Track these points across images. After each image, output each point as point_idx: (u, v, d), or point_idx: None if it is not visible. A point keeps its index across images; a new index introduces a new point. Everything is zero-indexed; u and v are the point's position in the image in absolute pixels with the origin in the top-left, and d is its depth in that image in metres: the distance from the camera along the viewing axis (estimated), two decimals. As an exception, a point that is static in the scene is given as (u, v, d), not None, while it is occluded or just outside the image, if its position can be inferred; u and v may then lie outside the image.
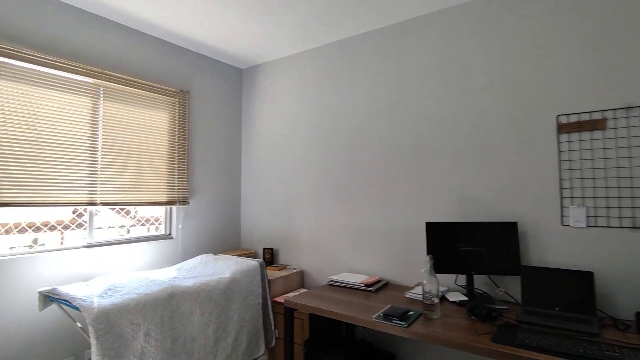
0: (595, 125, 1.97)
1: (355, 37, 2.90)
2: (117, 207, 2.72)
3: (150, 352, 1.85)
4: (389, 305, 2.05)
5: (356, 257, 2.80)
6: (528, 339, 1.54)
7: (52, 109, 2.30)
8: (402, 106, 2.64)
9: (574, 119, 2.03)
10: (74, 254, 2.38)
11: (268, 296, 2.61)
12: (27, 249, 2.28)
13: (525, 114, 2.18)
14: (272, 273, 2.93)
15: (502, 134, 2.24)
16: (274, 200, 3.33)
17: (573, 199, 2.02)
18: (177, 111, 3.03)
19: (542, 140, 2.12)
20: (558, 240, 2.05)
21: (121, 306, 1.79)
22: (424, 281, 1.89)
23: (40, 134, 2.24)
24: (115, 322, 1.74)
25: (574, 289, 1.87)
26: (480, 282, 2.29)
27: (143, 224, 2.94)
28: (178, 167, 3.01)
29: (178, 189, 3.00)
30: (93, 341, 1.65)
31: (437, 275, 2.35)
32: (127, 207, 2.79)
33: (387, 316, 1.86)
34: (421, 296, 2.16)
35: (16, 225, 2.26)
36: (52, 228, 2.40)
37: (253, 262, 2.61)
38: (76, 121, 2.41)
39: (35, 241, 2.36)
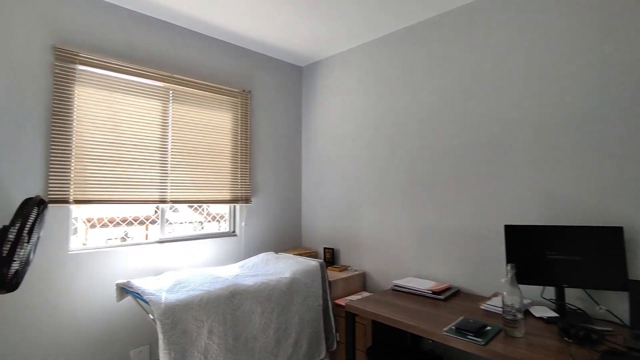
0: None
1: (420, 23, 2.69)
2: (186, 205, 2.84)
3: (213, 349, 1.87)
4: (461, 318, 1.84)
5: (422, 261, 2.60)
6: (645, 373, 1.25)
7: (130, 112, 2.46)
8: (475, 96, 2.37)
9: None
10: (149, 248, 2.52)
11: (329, 298, 2.53)
12: (119, 242, 2.53)
13: (635, 94, 1.81)
14: (333, 274, 2.85)
15: (603, 119, 1.89)
16: (335, 198, 3.24)
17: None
18: (239, 111, 3.09)
19: (658, 128, 1.74)
20: (681, 250, 1.67)
21: (186, 302, 1.83)
22: (504, 292, 1.66)
23: (121, 137, 2.41)
24: (180, 317, 1.78)
25: None
26: (573, 296, 1.96)
27: (217, 220, 3.07)
28: (241, 166, 3.06)
29: (241, 187, 3.06)
30: (160, 335, 1.70)
31: (519, 286, 2.07)
32: (197, 205, 2.91)
33: (460, 330, 1.67)
34: (500, 309, 1.91)
35: (111, 220, 2.55)
36: (141, 223, 2.65)
37: (313, 263, 2.55)
38: (149, 123, 2.56)
39: (126, 234, 2.62)
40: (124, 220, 2.60)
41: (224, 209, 3.12)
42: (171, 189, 2.64)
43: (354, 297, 2.65)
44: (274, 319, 2.18)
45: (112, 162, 2.38)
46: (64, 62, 2.20)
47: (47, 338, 2.10)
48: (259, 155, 3.23)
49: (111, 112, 2.39)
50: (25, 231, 1.73)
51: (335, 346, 2.51)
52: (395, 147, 2.80)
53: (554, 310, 1.89)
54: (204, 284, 2.06)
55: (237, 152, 3.05)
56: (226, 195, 2.96)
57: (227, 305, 1.98)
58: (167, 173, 2.62)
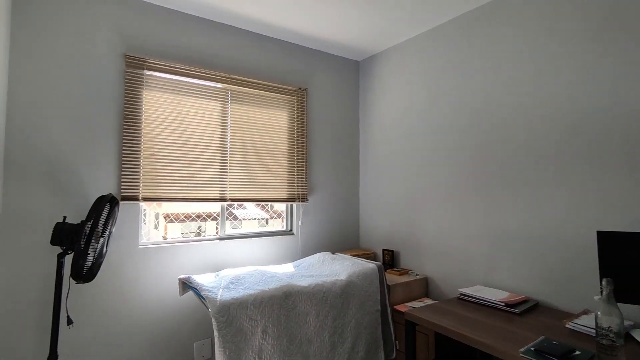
0: None
1: (490, 3, 2.41)
2: (249, 203, 2.89)
3: (267, 349, 1.85)
4: (542, 337, 1.59)
5: (493, 268, 2.33)
6: None
7: (192, 114, 2.56)
8: (562, 82, 2.06)
9: None
10: (210, 244, 2.61)
11: (387, 303, 2.39)
12: (193, 236, 2.70)
13: None
14: (392, 278, 2.69)
15: None
16: (395, 198, 3.07)
17: None
18: (295, 109, 3.07)
19: None
20: None
21: (241, 301, 1.83)
22: (599, 312, 1.39)
23: (184, 137, 2.52)
24: (235, 316, 1.78)
25: None
26: (693, 320, 1.59)
27: (282, 218, 3.10)
28: (297, 164, 3.04)
29: (297, 185, 3.03)
30: (216, 332, 1.72)
31: (618, 305, 1.74)
32: (261, 202, 2.95)
33: (541, 353, 1.43)
34: (592, 330, 1.62)
35: (187, 216, 2.74)
36: (214, 219, 2.78)
37: (371, 265, 2.43)
38: (210, 124, 2.64)
39: (199, 229, 2.76)
40: (198, 216, 2.78)
41: (282, 207, 3.13)
42: (230, 187, 2.70)
43: (415, 304, 2.48)
44: (329, 322, 2.10)
45: (177, 162, 2.49)
46: (133, 68, 2.35)
47: (119, 327, 2.26)
48: (315, 153, 3.19)
49: (175, 114, 2.50)
50: (99, 226, 1.86)
51: (394, 355, 2.36)
52: (463, 143, 2.56)
53: (666, 337, 1.55)
54: (259, 283, 2.06)
55: (293, 150, 3.04)
56: (283, 193, 2.96)
57: (281, 305, 1.95)
58: (226, 172, 2.69)
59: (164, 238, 2.59)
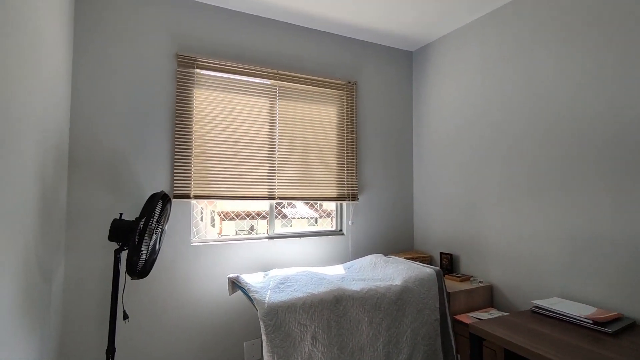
0: None
1: (571, -27, 2.09)
2: (298, 201, 2.82)
3: (317, 357, 1.74)
4: (648, 366, 1.31)
5: (574, 278, 2.02)
6: None
7: (240, 111, 2.54)
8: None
9: None
10: (259, 243, 2.57)
11: (447, 312, 2.18)
12: (246, 233, 2.74)
13: None
14: (452, 284, 2.46)
15: None
16: (453, 196, 2.83)
17: None
18: (345, 104, 2.94)
19: None
20: None
21: (289, 304, 1.74)
22: None
23: (233, 135, 2.50)
24: (283, 319, 1.70)
25: None
26: None
27: (331, 217, 3.01)
28: (347, 161, 2.91)
29: (347, 184, 2.90)
30: (264, 336, 1.64)
31: None
32: (310, 201, 2.87)
33: (650, 387, 1.17)
34: None
35: (237, 214, 2.76)
36: (263, 217, 2.77)
37: (428, 270, 2.23)
38: (258, 121, 2.60)
39: (251, 227, 2.79)
40: (248, 215, 2.79)
41: (331, 206, 3.02)
42: (279, 185, 2.64)
43: (480, 315, 2.23)
44: (383, 330, 1.95)
45: (226, 159, 2.48)
46: (184, 67, 2.37)
47: (172, 322, 2.29)
48: (365, 150, 3.03)
49: (224, 111, 2.49)
50: (151, 223, 1.88)
51: (455, 369, 2.14)
52: (531, 134, 2.26)
53: None
54: (308, 285, 1.96)
55: (343, 146, 2.91)
56: (332, 192, 2.85)
57: (332, 311, 1.83)
58: (274, 169, 2.63)
59: (219, 235, 2.64)
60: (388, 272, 2.27)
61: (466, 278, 2.57)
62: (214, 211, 2.83)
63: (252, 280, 2.07)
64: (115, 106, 2.20)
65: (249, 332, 2.50)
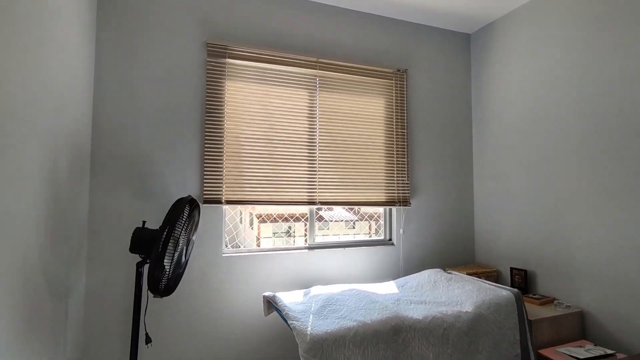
0: None
1: None
2: (334, 207, 2.50)
3: (371, 402, 1.40)
4: None
5: None
6: None
7: (276, 105, 2.26)
8: None
9: None
10: (298, 255, 2.26)
11: (530, 346, 1.75)
12: (284, 236, 2.58)
13: None
14: (531, 309, 2.02)
15: None
16: (528, 201, 2.36)
17: None
18: (394, 95, 2.57)
19: None
20: None
21: (336, 336, 1.41)
22: None
23: (269, 132, 2.22)
24: (330, 356, 1.37)
25: None
26: None
27: (369, 219, 2.70)
28: (397, 160, 2.54)
29: (398, 186, 2.53)
30: (306, 378, 1.32)
31: None
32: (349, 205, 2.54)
33: None
34: None
35: (280, 216, 2.62)
36: (297, 219, 2.57)
37: (505, 293, 1.81)
38: (296, 116, 2.30)
39: (288, 229, 2.62)
40: (284, 218, 2.62)
41: (378, 211, 2.66)
42: (320, 188, 2.33)
43: (573, 350, 1.78)
44: (451, 369, 1.56)
45: (261, 160, 2.20)
46: (215, 57, 2.12)
47: (201, 347, 2.03)
48: (418, 147, 2.64)
49: (259, 106, 2.22)
50: (176, 233, 1.63)
51: (543, 420, 1.71)
52: (633, 126, 1.78)
53: None
54: (358, 310, 1.62)
55: (392, 143, 2.54)
56: (380, 196, 2.48)
57: (389, 344, 1.47)
58: (315, 170, 2.32)
59: (258, 238, 2.53)
60: (453, 294, 1.87)
61: (547, 301, 2.11)
62: (252, 213, 2.74)
63: (291, 300, 1.76)
64: (140, 101, 1.99)
65: (288, 354, 2.20)
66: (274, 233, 2.65)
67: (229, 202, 2.11)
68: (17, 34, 1.12)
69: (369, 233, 2.94)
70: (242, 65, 2.19)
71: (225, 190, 2.11)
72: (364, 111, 2.48)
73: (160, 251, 1.56)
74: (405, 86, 2.60)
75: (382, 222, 2.63)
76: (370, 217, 2.69)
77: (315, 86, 2.36)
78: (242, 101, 2.18)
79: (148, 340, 1.68)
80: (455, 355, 1.57)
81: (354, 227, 2.81)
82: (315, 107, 2.36)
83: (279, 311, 1.71)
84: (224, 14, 2.18)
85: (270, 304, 1.83)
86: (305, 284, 2.25)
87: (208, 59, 2.11)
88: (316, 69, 2.35)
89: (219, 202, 2.09)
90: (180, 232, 1.64)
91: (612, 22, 1.91)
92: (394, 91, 2.57)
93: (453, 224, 2.71)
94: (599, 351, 1.74)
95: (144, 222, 1.68)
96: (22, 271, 1.20)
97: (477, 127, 2.79)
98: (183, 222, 1.67)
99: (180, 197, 1.77)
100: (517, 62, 2.46)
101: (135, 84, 1.99)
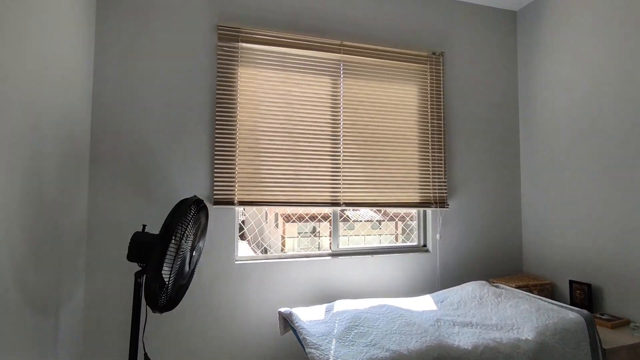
0: None
1: None
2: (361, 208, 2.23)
3: None
4: None
5: None
6: None
7: (295, 95, 2.01)
8: None
9: None
10: (320, 262, 2.00)
11: (606, 382, 1.41)
12: (309, 234, 2.49)
13: None
14: (603, 333, 1.66)
15: None
16: (590, 202, 2.00)
17: None
18: (428, 81, 2.26)
19: None
20: None
21: (366, 371, 1.14)
22: None
23: (286, 124, 1.98)
24: (357, 396, 1.10)
25: None
26: None
27: (397, 219, 2.44)
28: (433, 155, 2.23)
29: (434, 185, 2.22)
30: None
31: None
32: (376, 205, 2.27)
33: None
34: None
35: (301, 217, 2.58)
36: (323, 219, 2.44)
37: (572, 315, 1.47)
38: (317, 106, 2.05)
39: (313, 229, 2.54)
40: (315, 214, 2.46)
41: (409, 209, 2.36)
42: (345, 188, 2.06)
43: (664, 391, 1.42)
44: (509, 412, 1.25)
45: (279, 155, 1.96)
46: (227, 41, 1.90)
47: (213, 361, 1.81)
48: (456, 141, 2.32)
49: (275, 95, 1.98)
50: (178, 238, 1.41)
51: None
52: None
53: None
54: (391, 335, 1.34)
55: (427, 136, 2.23)
56: (414, 196, 2.18)
57: (431, 381, 1.18)
58: (339, 168, 2.06)
59: (283, 237, 2.47)
60: (506, 314, 1.55)
61: (621, 323, 1.75)
62: (277, 212, 2.75)
63: (310, 317, 1.51)
64: (144, 91, 1.80)
65: (307, 376, 1.94)
66: (299, 233, 2.57)
67: (242, 203, 1.88)
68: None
69: (395, 234, 2.73)
70: (256, 49, 1.96)
71: (238, 190, 1.88)
72: (394, 100, 2.19)
73: (159, 260, 1.35)
74: (441, 71, 2.28)
75: (414, 224, 2.32)
76: (397, 215, 2.41)
77: (339, 72, 2.09)
78: (257, 90, 1.95)
79: (147, 361, 1.48)
80: (514, 395, 1.26)
81: (379, 226, 2.67)
82: (339, 95, 2.09)
83: (295, 333, 1.46)
84: (236, -8, 1.96)
85: (287, 322, 1.58)
86: (328, 297, 1.98)
87: (219, 44, 1.89)
88: (340, 52, 2.08)
89: (231, 203, 1.86)
90: (183, 237, 1.42)
91: None
92: (428, 77, 2.26)
93: (497, 228, 2.37)
94: (701, 394, 1.37)
95: (144, 226, 1.47)
96: (-12, 286, 1.01)
97: (526, 118, 2.43)
98: (186, 226, 1.45)
99: (184, 198, 1.55)
100: (575, 42, 2.09)
101: (138, 72, 1.79)
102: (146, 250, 1.44)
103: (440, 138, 2.25)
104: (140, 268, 1.50)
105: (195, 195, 1.55)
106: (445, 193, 2.24)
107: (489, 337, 1.35)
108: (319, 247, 2.17)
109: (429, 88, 2.26)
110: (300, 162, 1.99)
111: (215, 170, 1.85)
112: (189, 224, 1.46)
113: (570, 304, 2.00)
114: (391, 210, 2.34)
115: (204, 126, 1.87)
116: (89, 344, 1.67)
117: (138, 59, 1.79)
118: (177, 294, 1.49)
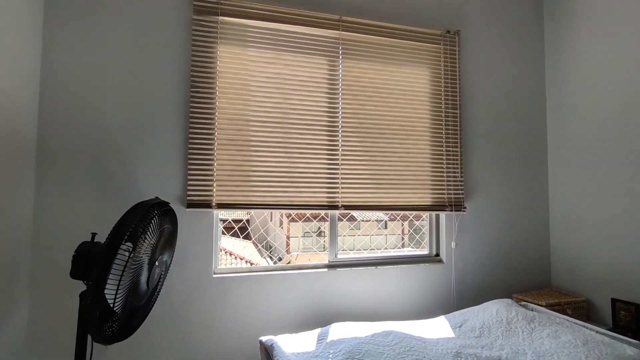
0: None
1: None
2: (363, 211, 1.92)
3: None
4: None
5: None
6: None
7: (285, 78, 1.71)
8: None
9: None
10: (315, 275, 1.70)
11: None
12: (314, 236, 2.42)
13: None
14: (664, 371, 1.33)
15: None
16: (634, 204, 1.67)
17: None
18: (442, 64, 1.95)
19: None
20: None
21: None
22: None
23: (273, 113, 1.68)
24: None
25: None
26: None
27: (397, 220, 2.14)
28: (447, 152, 1.91)
29: (449, 185, 1.90)
30: None
31: None
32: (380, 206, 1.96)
33: None
34: None
35: (301, 216, 2.35)
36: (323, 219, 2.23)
37: (630, 351, 1.15)
38: (313, 92, 1.74)
39: (319, 230, 2.44)
40: (315, 216, 2.14)
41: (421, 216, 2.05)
42: (344, 187, 1.75)
43: None
44: None
45: (265, 150, 1.66)
46: (204, 14, 1.60)
47: (185, 394, 1.52)
48: (474, 134, 2.00)
49: (262, 78, 1.68)
50: (130, 249, 1.11)
51: None
52: None
53: None
54: (399, 378, 1.03)
55: (440, 128, 1.92)
56: (425, 197, 1.87)
57: None
58: (337, 164, 1.75)
59: (287, 238, 2.45)
60: (543, 348, 1.23)
61: (683, 356, 1.41)
62: (282, 213, 2.71)
63: (297, 349, 1.21)
64: (105, 74, 1.51)
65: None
66: (304, 232, 2.51)
67: (221, 206, 1.59)
68: None
69: (403, 238, 2.52)
70: (239, 24, 1.66)
71: (217, 190, 1.59)
72: (402, 86, 1.88)
73: (101, 277, 1.06)
74: (457, 53, 1.97)
75: (424, 228, 2.01)
76: (404, 218, 2.12)
77: (338, 53, 1.79)
78: (240, 72, 1.65)
79: (93, 404, 1.19)
80: None
81: (386, 228, 2.54)
82: (338, 80, 1.78)
83: (278, 370, 1.16)
84: (216, -42, 1.66)
85: (268, 355, 1.28)
86: (323, 318, 1.67)
87: (194, 17, 1.59)
88: (339, 29, 1.78)
89: (207, 205, 1.57)
90: (135, 248, 1.13)
91: None
92: (442, 60, 1.95)
93: (522, 235, 2.04)
94: None
95: (93, 235, 1.20)
96: None
97: (553, 110, 2.10)
98: (143, 234, 1.16)
99: (142, 201, 1.26)
100: (607, 27, 1.76)
101: (97, 54, 1.50)
102: (93, 264, 1.15)
103: (456, 130, 1.93)
104: (86, 286, 1.21)
105: (156, 197, 1.26)
106: (462, 194, 1.92)
107: (527, 383, 1.04)
108: (323, 248, 1.89)
109: (442, 72, 1.94)
110: (291, 157, 1.69)
111: (189, 166, 1.56)
112: (146, 231, 1.17)
113: (614, 328, 1.67)
114: (399, 212, 2.03)
115: (177, 116, 1.58)
116: (33, 376, 1.39)
117: (97, 38, 1.50)
118: (131, 320, 1.20)
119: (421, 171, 1.87)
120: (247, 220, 1.93)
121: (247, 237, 1.99)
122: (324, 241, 1.97)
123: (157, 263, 1.26)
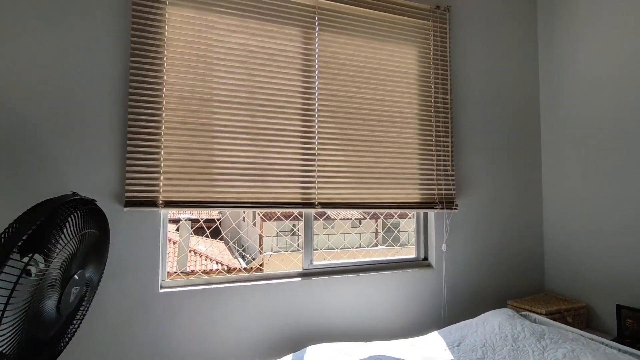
0: None
1: None
2: (341, 210, 1.67)
3: None
4: None
5: None
6: None
7: (257, 53, 1.42)
8: None
9: None
10: (287, 287, 1.43)
11: None
12: (289, 235, 2.27)
13: None
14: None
15: None
16: (634, 201, 1.51)
17: None
18: (432, 43, 1.72)
19: None
20: None
21: None
22: None
23: (246, 93, 1.39)
24: None
25: None
26: None
27: (371, 219, 1.95)
28: (437, 141, 1.69)
29: (439, 181, 1.68)
30: None
31: None
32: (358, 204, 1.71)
33: None
34: None
35: (270, 215, 2.26)
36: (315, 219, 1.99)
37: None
38: (284, 69, 1.47)
39: (294, 228, 2.38)
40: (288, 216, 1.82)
41: (406, 214, 1.82)
42: (320, 182, 1.49)
43: None
44: None
45: (225, 136, 1.37)
46: (148, -33, 1.29)
47: None
48: (465, 124, 1.80)
49: (222, 49, 1.39)
50: (23, 262, 0.80)
51: None
52: None
53: None
54: None
55: (430, 116, 1.69)
56: (413, 194, 1.64)
57: None
58: (313, 155, 1.49)
59: (260, 236, 2.40)
60: (561, 372, 1.03)
61: (703, 370, 1.25)
62: (257, 212, 2.54)
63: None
64: (23, 42, 1.17)
65: None
66: (278, 231, 2.45)
67: (169, 205, 1.28)
68: None
69: (375, 233, 2.41)
70: (194, -18, 1.36)
71: (165, 185, 1.28)
72: (387, 65, 1.63)
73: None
74: (447, 31, 1.75)
75: (412, 230, 1.79)
76: (376, 216, 1.92)
77: (314, 23, 1.52)
78: (195, 40, 1.35)
79: None
80: None
81: (359, 225, 2.51)
82: (314, 55, 1.52)
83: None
84: None
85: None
86: (295, 341, 1.40)
87: (135, -31, 1.28)
88: (315, -4, 1.51)
89: (152, 204, 1.26)
90: (31, 260, 0.82)
91: None
92: (431, 38, 1.72)
93: (514, 234, 1.86)
94: None
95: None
96: None
97: (548, 98, 1.93)
98: (47, 242, 0.85)
99: (50, 198, 0.94)
100: (608, 9, 1.60)
101: (12, 12, 1.16)
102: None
103: (447, 118, 1.71)
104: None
105: (74, 192, 0.95)
106: (453, 190, 1.71)
107: None
108: (298, 247, 1.65)
109: (432, 52, 1.72)
110: (258, 146, 1.41)
111: (128, 155, 1.25)
112: (56, 237, 0.87)
113: (619, 337, 1.50)
114: (382, 211, 1.79)
115: (114, 94, 1.26)
116: None
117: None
118: (36, 351, 0.88)
119: (408, 163, 1.64)
120: (219, 220, 1.65)
121: (218, 236, 1.72)
122: (298, 243, 1.71)
123: (74, 279, 0.95)
